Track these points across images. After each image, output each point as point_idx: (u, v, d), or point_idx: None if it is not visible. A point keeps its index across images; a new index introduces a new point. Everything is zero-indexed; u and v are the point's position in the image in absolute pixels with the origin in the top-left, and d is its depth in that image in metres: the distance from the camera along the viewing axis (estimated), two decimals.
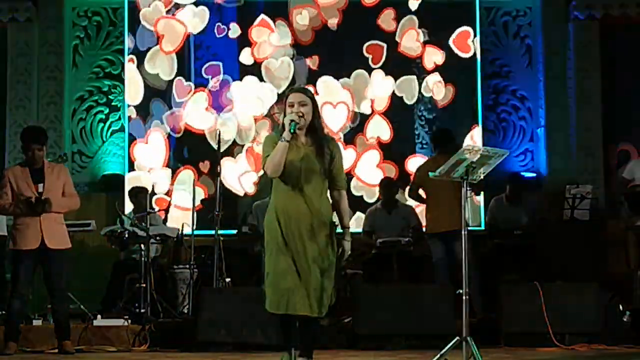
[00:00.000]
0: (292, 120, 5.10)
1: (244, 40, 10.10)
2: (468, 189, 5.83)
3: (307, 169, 5.13)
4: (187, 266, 8.32)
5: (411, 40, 10.12)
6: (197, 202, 8.97)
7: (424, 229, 8.96)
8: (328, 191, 5.27)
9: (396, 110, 10.11)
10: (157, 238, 8.42)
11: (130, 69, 9.96)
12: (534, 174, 9.97)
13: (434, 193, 8.09)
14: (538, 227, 8.74)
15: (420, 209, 9.05)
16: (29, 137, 7.19)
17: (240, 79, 10.06)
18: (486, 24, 10.23)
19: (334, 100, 10.10)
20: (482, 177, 5.88)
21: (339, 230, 5.31)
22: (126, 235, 8.26)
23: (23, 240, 7.00)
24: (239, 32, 10.12)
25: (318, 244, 5.11)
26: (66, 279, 7.27)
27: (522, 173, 9.79)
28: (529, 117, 10.23)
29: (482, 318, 7.80)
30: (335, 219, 5.29)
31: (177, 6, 10.10)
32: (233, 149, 9.95)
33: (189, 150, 10.01)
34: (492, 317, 7.77)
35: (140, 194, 8.86)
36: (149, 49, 10.01)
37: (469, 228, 7.37)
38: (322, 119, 5.35)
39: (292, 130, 5.08)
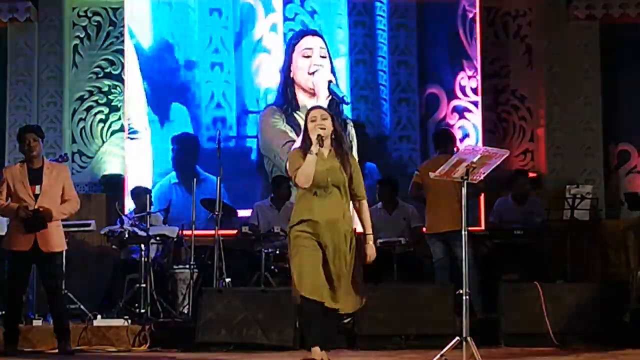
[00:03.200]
0: (319, 135, 5.55)
1: None
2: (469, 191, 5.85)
3: (332, 177, 5.58)
4: (187, 266, 8.33)
5: None
6: None
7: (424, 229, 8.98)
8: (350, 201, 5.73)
9: None
10: (157, 238, 8.42)
11: None
12: (534, 174, 9.96)
13: (435, 193, 8.07)
14: (538, 227, 8.73)
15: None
16: (24, 129, 7.18)
17: None
18: (486, 24, 10.22)
19: None
20: (482, 177, 5.90)
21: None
22: (126, 235, 8.26)
23: (15, 241, 6.98)
24: None
25: (342, 248, 5.58)
26: (63, 279, 7.26)
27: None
28: (529, 117, 10.23)
29: (482, 318, 7.79)
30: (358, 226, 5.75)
31: None
32: None
33: None
34: (493, 317, 7.76)
35: (142, 195, 8.85)
36: None
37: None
38: (342, 134, 5.80)
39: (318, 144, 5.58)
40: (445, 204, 7.89)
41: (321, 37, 9.53)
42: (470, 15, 9.56)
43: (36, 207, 6.93)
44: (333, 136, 5.65)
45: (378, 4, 9.47)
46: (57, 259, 7.11)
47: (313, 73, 9.52)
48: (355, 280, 5.69)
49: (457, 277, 6.91)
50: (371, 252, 5.72)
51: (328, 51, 9.55)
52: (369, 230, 5.72)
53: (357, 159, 5.86)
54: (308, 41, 9.64)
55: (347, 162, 5.65)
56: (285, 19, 9.66)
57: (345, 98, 9.34)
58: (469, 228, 7.89)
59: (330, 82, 9.50)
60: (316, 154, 5.54)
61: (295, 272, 5.54)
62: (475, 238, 8.25)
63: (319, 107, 5.95)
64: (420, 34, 9.52)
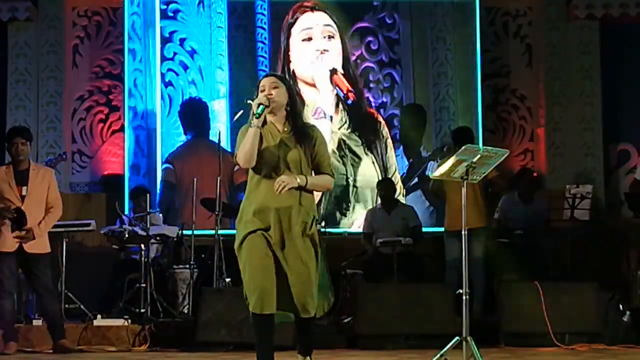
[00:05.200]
0: (260, 104, 4.77)
1: None
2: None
3: (285, 157, 4.81)
4: (187, 266, 8.32)
5: None
6: None
7: (423, 229, 8.98)
8: None
9: None
10: (157, 238, 8.42)
11: None
12: (535, 173, 9.96)
13: (455, 190, 8.01)
14: (538, 227, 8.74)
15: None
16: (12, 132, 7.20)
17: None
18: (486, 24, 10.22)
19: None
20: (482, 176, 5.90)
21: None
22: (126, 235, 8.26)
23: (1, 242, 6.97)
24: None
25: (297, 240, 4.78)
26: (51, 280, 7.25)
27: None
28: (529, 117, 10.23)
29: (482, 319, 7.78)
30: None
31: None
32: None
33: None
34: (493, 318, 7.74)
35: (141, 196, 8.84)
36: None
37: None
38: (301, 107, 5.01)
39: (258, 114, 4.73)
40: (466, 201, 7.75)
41: (325, 11, 8.89)
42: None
43: (16, 207, 6.93)
44: (288, 108, 4.87)
45: (259, 34, 9.26)
46: (42, 260, 7.08)
47: (315, 61, 8.99)
48: (312, 281, 4.79)
49: (468, 276, 6.82)
50: (287, 178, 4.71)
51: (338, 28, 8.97)
52: (308, 178, 4.79)
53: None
54: (306, 20, 9.01)
55: (306, 137, 4.86)
56: (164, 58, 9.57)
57: (350, 94, 8.96)
58: (478, 226, 7.93)
59: (333, 71, 8.95)
60: (258, 127, 4.73)
61: (245, 285, 4.88)
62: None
63: (272, 74, 5.05)
64: None
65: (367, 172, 9.73)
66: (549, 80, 10.14)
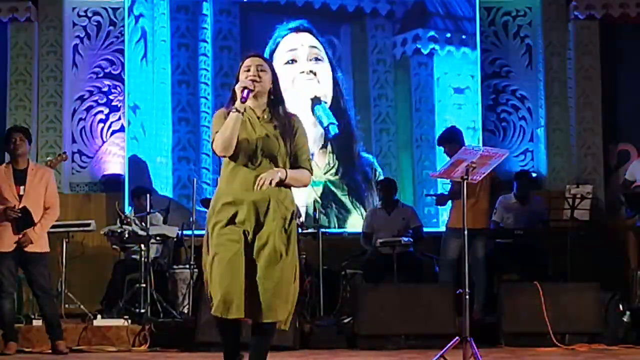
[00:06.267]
0: (244, 88, 4.37)
1: None
2: None
3: (264, 147, 4.40)
4: (187, 266, 8.32)
5: None
6: None
7: (423, 229, 8.97)
8: None
9: None
10: (157, 238, 8.42)
11: None
12: (534, 174, 9.96)
13: (468, 190, 7.94)
14: (537, 227, 8.73)
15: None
16: (11, 129, 7.23)
17: None
18: (486, 24, 10.22)
19: None
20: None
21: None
22: (126, 235, 8.26)
23: (0, 242, 6.98)
24: None
25: (275, 236, 4.36)
26: (50, 279, 7.25)
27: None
28: (529, 117, 10.23)
29: (479, 319, 7.77)
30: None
31: None
32: None
33: None
34: (493, 318, 7.74)
35: (142, 196, 8.84)
36: None
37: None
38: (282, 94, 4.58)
39: (244, 98, 4.36)
40: (470, 201, 7.71)
41: (311, 32, 8.73)
42: None
43: (22, 206, 6.93)
44: (272, 96, 4.50)
45: (202, 89, 9.23)
46: (41, 260, 7.07)
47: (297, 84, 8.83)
48: (287, 281, 4.40)
49: (470, 277, 6.79)
50: (268, 174, 4.31)
51: (327, 52, 8.98)
52: (289, 172, 4.40)
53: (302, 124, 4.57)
54: (290, 41, 8.81)
55: (287, 127, 4.45)
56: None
57: (331, 127, 8.75)
58: (483, 227, 7.91)
59: (316, 100, 8.70)
60: (242, 112, 4.33)
61: (210, 283, 4.40)
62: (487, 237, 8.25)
63: (258, 55, 4.55)
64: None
65: (355, 226, 9.35)
66: (549, 80, 10.14)
